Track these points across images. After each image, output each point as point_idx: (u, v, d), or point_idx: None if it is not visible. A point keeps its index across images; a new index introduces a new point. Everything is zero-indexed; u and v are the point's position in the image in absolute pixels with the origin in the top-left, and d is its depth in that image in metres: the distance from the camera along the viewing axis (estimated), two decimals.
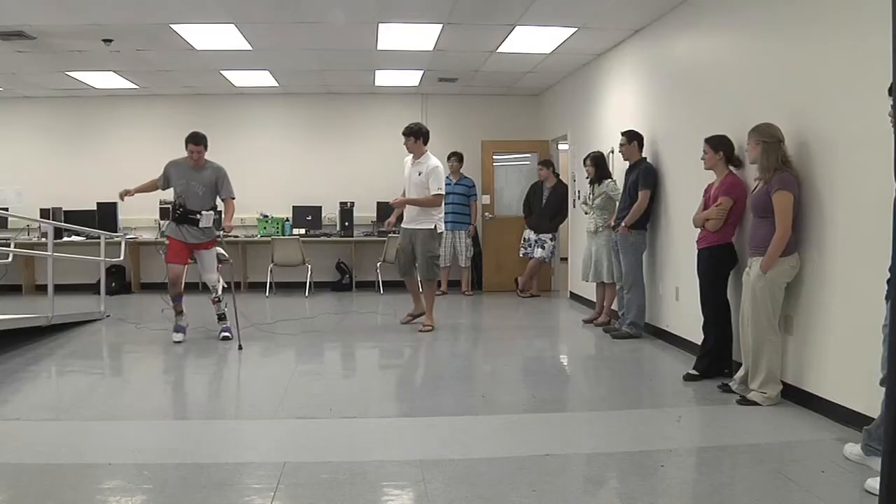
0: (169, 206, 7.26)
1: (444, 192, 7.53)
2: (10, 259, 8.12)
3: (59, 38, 7.72)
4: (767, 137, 4.61)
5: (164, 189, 7.13)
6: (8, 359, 6.22)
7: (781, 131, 4.63)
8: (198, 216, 6.79)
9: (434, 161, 7.46)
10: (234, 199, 7.04)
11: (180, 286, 6.98)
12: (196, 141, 6.85)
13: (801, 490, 3.37)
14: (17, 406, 4.98)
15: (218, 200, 7.11)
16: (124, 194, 6.96)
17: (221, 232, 7.11)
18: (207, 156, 6.90)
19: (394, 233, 8.72)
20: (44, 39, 7.69)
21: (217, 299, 7.08)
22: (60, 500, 3.28)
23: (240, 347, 6.53)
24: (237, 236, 10.93)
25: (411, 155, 7.55)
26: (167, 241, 7.06)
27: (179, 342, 6.88)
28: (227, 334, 7.00)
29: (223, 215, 7.09)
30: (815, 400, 4.50)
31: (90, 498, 3.37)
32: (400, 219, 7.73)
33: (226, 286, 7.20)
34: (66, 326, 7.60)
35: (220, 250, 7.12)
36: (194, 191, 6.85)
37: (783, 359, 4.74)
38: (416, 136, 7.42)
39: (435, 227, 7.46)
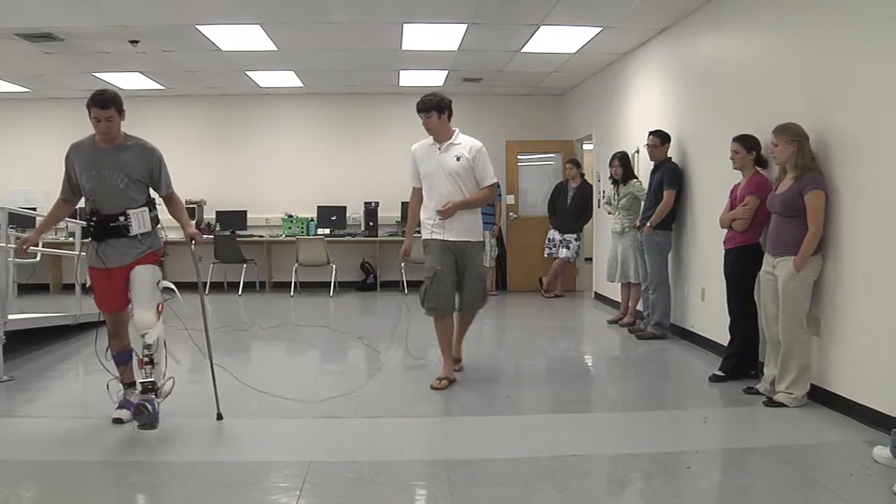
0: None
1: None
2: (38, 258, 8.20)
3: (86, 40, 7.81)
4: (800, 136, 4.57)
5: (69, 197, 4.62)
6: (36, 357, 6.31)
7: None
8: (122, 219, 4.31)
9: (474, 140, 5.52)
10: (174, 193, 4.56)
11: (126, 337, 4.49)
12: (102, 103, 4.15)
13: (829, 493, 3.33)
14: (44, 404, 5.05)
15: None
16: (23, 246, 4.86)
17: (193, 243, 4.50)
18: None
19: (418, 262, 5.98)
20: (71, 41, 7.79)
21: (148, 359, 4.20)
22: (87, 497, 3.32)
23: (219, 417, 4.51)
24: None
25: (424, 142, 5.61)
26: (88, 275, 4.54)
27: (121, 421, 4.38)
28: (146, 407, 4.04)
29: (179, 219, 4.58)
30: (842, 402, 4.45)
31: (117, 494, 3.40)
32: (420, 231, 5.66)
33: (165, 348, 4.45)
34: (94, 325, 7.64)
35: (168, 283, 4.49)
36: (110, 182, 4.29)
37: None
38: (439, 109, 5.36)
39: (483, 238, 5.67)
